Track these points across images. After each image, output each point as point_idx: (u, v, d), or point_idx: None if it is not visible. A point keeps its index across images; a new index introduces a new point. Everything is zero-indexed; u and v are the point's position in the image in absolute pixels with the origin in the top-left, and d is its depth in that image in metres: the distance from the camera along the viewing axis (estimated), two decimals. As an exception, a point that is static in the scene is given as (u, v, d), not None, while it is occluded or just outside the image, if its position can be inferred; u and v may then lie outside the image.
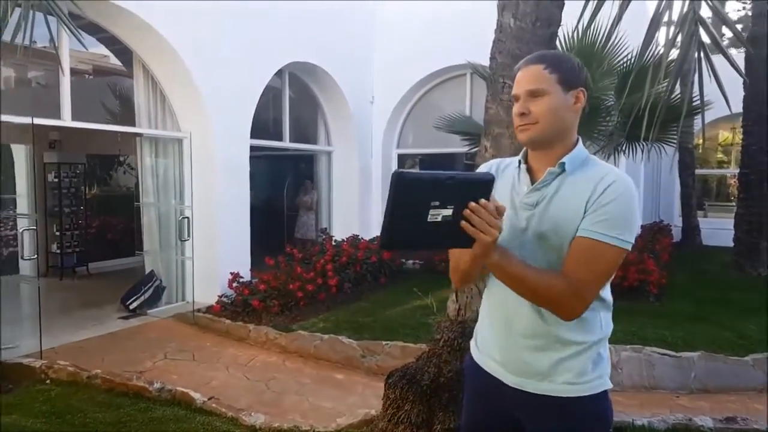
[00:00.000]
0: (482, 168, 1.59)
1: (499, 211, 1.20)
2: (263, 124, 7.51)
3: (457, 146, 7.29)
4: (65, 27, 3.09)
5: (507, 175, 1.50)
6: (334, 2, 7.71)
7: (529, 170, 1.44)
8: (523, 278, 1.28)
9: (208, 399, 3.62)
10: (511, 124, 2.13)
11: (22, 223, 7.97)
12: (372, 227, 8.75)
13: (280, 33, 6.99)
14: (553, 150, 1.40)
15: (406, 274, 7.87)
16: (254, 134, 6.89)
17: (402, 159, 9.49)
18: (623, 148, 6.71)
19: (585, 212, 1.32)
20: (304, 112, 8.53)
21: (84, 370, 4.18)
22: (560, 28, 2.86)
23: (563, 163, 1.38)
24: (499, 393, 1.46)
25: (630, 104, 6.25)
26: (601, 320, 1.41)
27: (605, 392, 1.40)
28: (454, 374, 2.47)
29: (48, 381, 4.16)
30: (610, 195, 1.31)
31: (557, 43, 2.90)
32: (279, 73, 7.42)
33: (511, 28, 2.70)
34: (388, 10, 8.57)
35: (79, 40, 3.17)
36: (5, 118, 5.55)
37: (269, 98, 7.53)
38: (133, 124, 6.25)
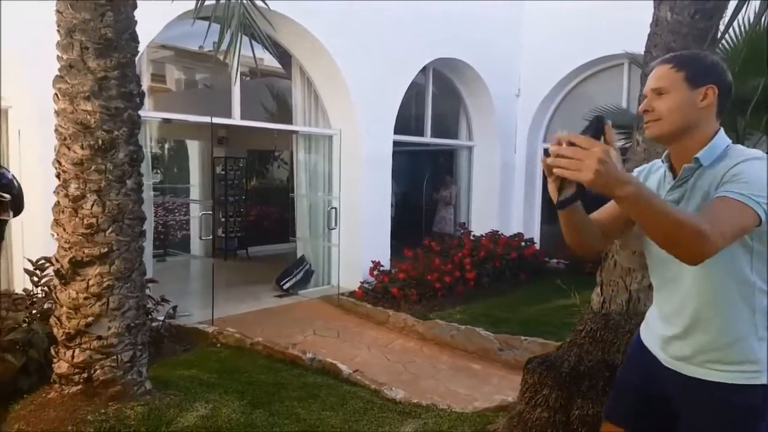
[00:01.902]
0: (635, 171, 1.63)
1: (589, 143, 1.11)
2: (406, 120, 7.78)
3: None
4: (266, 48, 3.55)
5: (655, 176, 1.55)
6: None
7: (671, 168, 1.49)
8: (665, 211, 1.18)
9: (354, 371, 3.91)
10: None
11: (195, 210, 9.24)
12: (512, 223, 8.62)
13: (425, 30, 7.17)
14: (687, 145, 1.42)
15: (549, 272, 7.62)
16: (397, 130, 7.18)
17: (548, 153, 9.19)
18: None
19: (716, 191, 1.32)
20: (446, 108, 8.66)
21: (248, 337, 4.73)
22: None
23: (697, 158, 1.40)
24: (658, 373, 1.51)
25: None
26: (755, 307, 1.38)
27: (763, 386, 1.35)
28: (595, 364, 2.43)
29: (218, 345, 4.77)
30: (742, 166, 1.31)
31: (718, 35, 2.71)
32: (423, 70, 7.62)
33: (668, 22, 2.65)
34: (535, 2, 8.35)
35: (272, 53, 3.62)
36: (185, 117, 6.47)
37: (412, 94, 7.78)
38: (290, 122, 6.87)
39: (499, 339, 4.71)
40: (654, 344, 1.54)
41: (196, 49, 8.73)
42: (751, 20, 3.24)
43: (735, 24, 3.32)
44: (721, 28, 2.92)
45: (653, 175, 1.56)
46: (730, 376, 1.37)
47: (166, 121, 6.25)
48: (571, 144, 1.14)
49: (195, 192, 9.63)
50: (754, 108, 5.63)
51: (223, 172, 9.42)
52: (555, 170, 1.14)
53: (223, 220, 9.44)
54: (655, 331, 1.55)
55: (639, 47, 2.88)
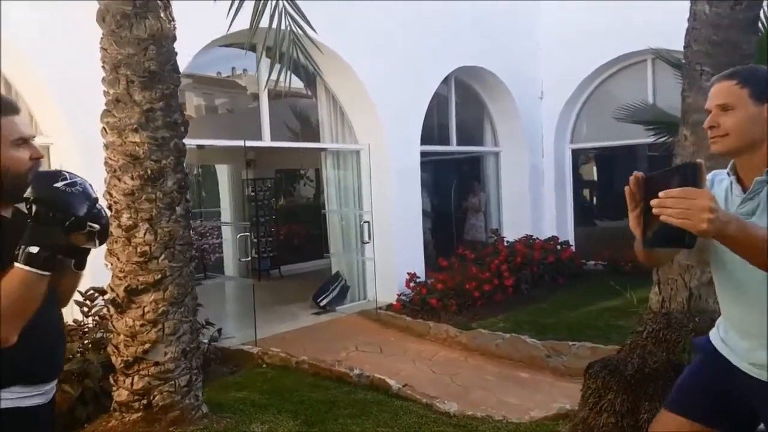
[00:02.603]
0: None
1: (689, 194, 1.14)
2: (431, 130, 7.80)
3: (639, 137, 6.80)
4: (317, 73, 3.65)
5: (720, 188, 1.55)
6: (497, 2, 7.73)
7: (739, 180, 1.50)
8: (764, 237, 1.22)
9: (403, 386, 3.89)
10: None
11: (227, 232, 9.38)
12: (545, 227, 8.54)
13: (446, 41, 7.20)
14: (755, 158, 1.44)
15: (587, 275, 7.51)
16: (423, 140, 7.21)
17: (576, 154, 9.10)
18: None
19: None
20: (469, 115, 8.65)
21: (293, 356, 4.75)
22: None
23: None
24: (738, 380, 1.53)
25: None
26: None
27: None
28: (660, 365, 2.39)
29: (264, 365, 4.79)
30: None
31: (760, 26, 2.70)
32: (445, 80, 7.65)
33: (707, 15, 2.64)
34: (554, 3, 8.32)
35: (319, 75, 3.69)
36: (219, 142, 6.59)
37: (435, 104, 7.81)
38: (317, 140, 6.94)
39: (545, 346, 4.63)
40: (732, 356, 1.58)
41: (214, 75, 8.94)
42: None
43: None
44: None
45: (717, 186, 1.56)
46: None
47: (199, 147, 6.37)
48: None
49: (226, 215, 9.78)
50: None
51: (252, 194, 9.55)
52: (663, 217, 1.15)
53: (255, 240, 9.56)
54: (731, 344, 1.59)
55: (662, 43, 2.86)
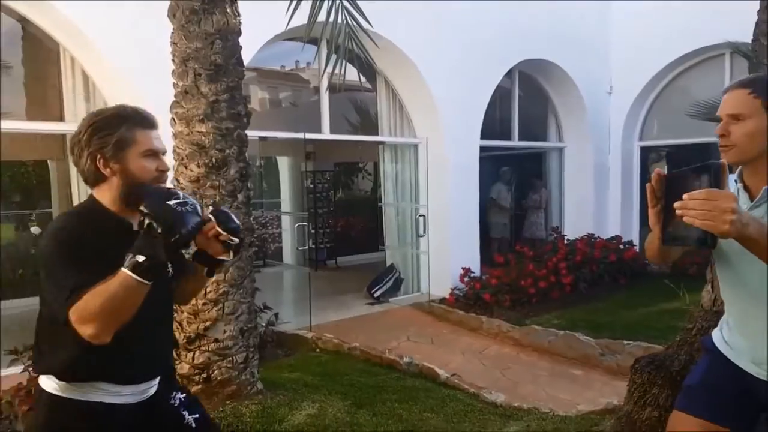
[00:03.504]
0: None
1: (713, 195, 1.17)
2: (492, 125, 7.71)
3: (713, 135, 6.44)
4: (371, 64, 3.77)
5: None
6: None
7: (746, 188, 1.50)
8: None
9: (451, 375, 3.93)
10: None
11: (286, 222, 9.69)
12: (609, 226, 8.25)
13: (510, 33, 7.08)
14: (764, 167, 1.44)
15: (651, 276, 7.21)
16: (484, 135, 7.14)
17: (645, 152, 8.71)
18: None
19: None
20: (533, 109, 8.48)
21: (345, 342, 4.90)
22: None
23: None
24: (751, 382, 1.56)
25: None
26: None
27: None
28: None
29: (317, 350, 4.97)
30: None
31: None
32: (509, 73, 7.54)
33: None
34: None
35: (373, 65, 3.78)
36: (279, 134, 6.83)
37: (497, 98, 7.72)
38: (375, 133, 7.05)
39: (600, 344, 4.53)
40: (741, 360, 1.59)
41: (278, 68, 9.22)
42: None
43: None
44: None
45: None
46: None
47: (262, 139, 6.64)
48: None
49: (285, 205, 10.11)
50: None
51: (311, 186, 9.81)
52: (686, 219, 1.17)
53: (312, 231, 9.81)
54: (733, 344, 1.61)
55: (741, 35, 2.73)
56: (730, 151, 1.46)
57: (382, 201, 7.34)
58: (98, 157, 1.39)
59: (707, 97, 6.75)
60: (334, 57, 3.42)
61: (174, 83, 3.26)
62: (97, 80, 4.73)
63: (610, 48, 8.24)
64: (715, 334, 1.72)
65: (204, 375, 3.32)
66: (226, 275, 3.25)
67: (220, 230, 1.44)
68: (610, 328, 4.92)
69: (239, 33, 3.29)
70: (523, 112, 8.12)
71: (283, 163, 10.15)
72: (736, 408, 1.62)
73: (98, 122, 1.41)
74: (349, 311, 6.52)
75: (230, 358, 3.32)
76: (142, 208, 1.29)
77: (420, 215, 6.88)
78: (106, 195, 1.43)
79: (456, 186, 6.81)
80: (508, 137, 8.04)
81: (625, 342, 4.39)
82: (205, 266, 1.55)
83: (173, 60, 3.24)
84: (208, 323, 3.28)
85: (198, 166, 3.18)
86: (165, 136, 3.35)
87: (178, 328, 3.39)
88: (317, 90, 6.70)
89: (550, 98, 8.41)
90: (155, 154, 1.44)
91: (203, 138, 3.16)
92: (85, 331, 1.26)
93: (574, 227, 8.23)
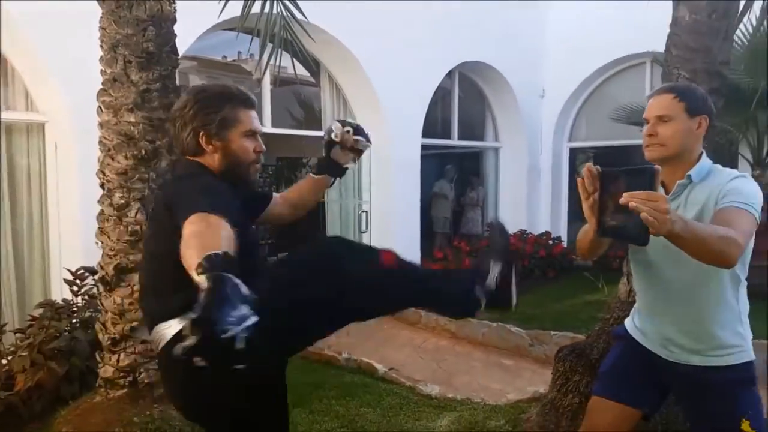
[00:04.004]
0: None
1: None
2: (433, 123, 7.85)
3: (635, 138, 6.82)
4: (298, 58, 3.71)
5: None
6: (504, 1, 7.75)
7: (663, 184, 1.65)
8: (707, 232, 1.37)
9: (389, 370, 3.99)
10: None
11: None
12: (540, 222, 8.61)
13: (452, 35, 7.22)
14: (679, 165, 1.63)
15: (577, 269, 7.59)
16: (425, 133, 7.26)
17: (573, 153, 9.14)
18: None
19: (716, 204, 1.54)
20: (472, 110, 8.69)
21: (283, 339, 4.84)
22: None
23: (690, 175, 1.62)
24: (659, 366, 1.72)
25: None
26: (738, 298, 1.63)
27: (751, 361, 1.62)
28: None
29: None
30: (734, 183, 1.56)
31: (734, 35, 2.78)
32: (449, 74, 7.69)
33: (686, 22, 2.74)
34: (560, 3, 8.34)
35: (306, 61, 3.78)
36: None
37: (439, 98, 7.86)
38: (319, 128, 7.00)
39: (529, 335, 4.73)
40: (652, 344, 1.73)
41: (220, 59, 8.95)
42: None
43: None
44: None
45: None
46: (728, 359, 1.61)
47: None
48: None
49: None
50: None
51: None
52: (642, 215, 1.22)
53: (254, 227, 9.59)
54: (649, 333, 1.74)
55: (661, 46, 2.93)
56: (657, 148, 1.62)
57: (325, 197, 7.31)
58: (201, 133, 1.40)
59: (630, 101, 7.18)
60: (269, 48, 3.38)
61: (102, 70, 3.11)
62: (16, 64, 4.44)
63: (544, 53, 8.57)
64: (628, 322, 1.86)
65: (129, 378, 3.15)
66: (155, 273, 3.13)
67: (359, 138, 1.73)
68: (539, 320, 5.15)
69: (174, 20, 3.17)
70: (462, 113, 8.31)
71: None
72: (645, 390, 1.76)
73: (204, 99, 1.43)
74: (289, 308, 6.45)
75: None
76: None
77: (362, 211, 6.91)
78: (206, 163, 1.44)
79: (398, 183, 6.89)
80: (449, 136, 8.21)
81: (552, 333, 4.60)
82: (331, 175, 1.87)
83: (101, 46, 3.09)
84: (134, 323, 3.12)
85: (126, 158, 3.05)
86: (90, 125, 3.24)
87: (101, 329, 3.21)
88: (260, 82, 6.59)
89: (487, 100, 8.65)
90: (254, 134, 1.47)
91: (132, 128, 3.03)
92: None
93: (508, 223, 8.47)
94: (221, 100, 1.43)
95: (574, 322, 4.94)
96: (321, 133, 6.73)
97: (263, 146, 1.50)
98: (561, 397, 2.59)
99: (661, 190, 1.59)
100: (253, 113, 1.48)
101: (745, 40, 5.75)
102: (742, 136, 6.25)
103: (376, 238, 6.87)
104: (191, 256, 1.05)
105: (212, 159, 1.43)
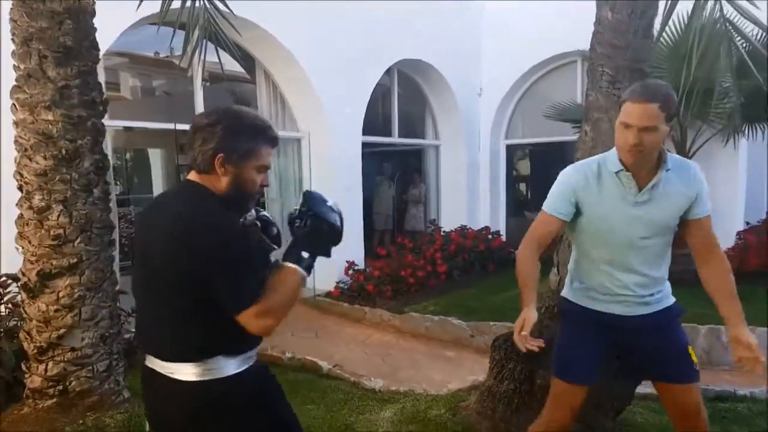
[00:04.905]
0: (573, 175, 1.92)
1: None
2: (374, 121, 7.87)
3: (568, 135, 7.12)
4: (231, 53, 3.59)
5: (607, 183, 1.86)
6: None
7: (632, 176, 1.81)
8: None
9: (333, 366, 3.98)
10: (610, 109, 2.67)
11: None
12: (480, 218, 8.81)
13: (389, 32, 7.25)
14: (651, 161, 1.79)
15: (515, 262, 7.82)
16: (365, 131, 7.26)
17: (510, 150, 9.39)
18: (743, 129, 6.29)
19: (693, 205, 1.84)
20: (411, 108, 8.78)
21: (224, 342, 4.73)
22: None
23: (667, 168, 1.80)
24: (620, 325, 1.92)
25: (749, 85, 5.85)
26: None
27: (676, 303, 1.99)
28: (553, 337, 2.56)
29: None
30: (700, 183, 1.86)
31: (653, 31, 2.94)
32: (388, 71, 7.72)
33: (609, 21, 2.85)
34: (496, 2, 8.54)
35: (236, 58, 3.67)
36: (146, 124, 6.37)
37: (379, 95, 7.88)
38: (256, 126, 6.85)
39: (470, 327, 4.85)
40: (613, 308, 1.93)
41: (152, 55, 8.60)
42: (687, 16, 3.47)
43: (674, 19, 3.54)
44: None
45: (602, 179, 1.86)
46: (669, 301, 1.96)
47: (127, 129, 6.18)
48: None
49: (157, 203, 9.50)
50: (696, 99, 5.95)
51: (187, 180, 9.29)
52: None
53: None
54: (601, 289, 1.94)
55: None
56: (640, 154, 1.74)
57: (265, 196, 7.18)
58: (221, 155, 1.40)
59: (562, 99, 7.47)
60: (195, 42, 3.28)
61: (15, 65, 2.93)
62: None
63: (481, 52, 8.77)
64: (573, 294, 2.03)
65: (59, 387, 3.03)
66: (81, 278, 2.99)
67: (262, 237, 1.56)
68: (480, 312, 5.29)
69: (93, 13, 3.03)
70: (402, 110, 8.38)
71: (156, 156, 9.53)
72: (602, 362, 1.96)
73: (236, 126, 1.43)
74: (230, 311, 6.30)
75: (90, 367, 3.06)
76: (303, 209, 1.45)
77: (303, 210, 6.82)
78: (211, 184, 1.44)
79: (339, 180, 6.86)
80: (389, 134, 8.25)
81: (492, 323, 4.73)
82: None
83: (13, 40, 2.91)
84: (62, 331, 2.99)
85: (45, 158, 2.89)
86: (5, 123, 3.04)
87: (26, 338, 3.06)
88: (192, 79, 6.39)
89: (426, 98, 8.76)
90: (266, 170, 1.50)
91: (50, 127, 2.87)
92: (264, 323, 1.33)
93: (449, 220, 8.67)
94: (251, 133, 1.44)
95: (512, 312, 5.02)
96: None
97: (269, 181, 1.54)
98: (497, 384, 2.67)
99: (609, 180, 1.83)
100: (273, 150, 1.52)
101: (670, 40, 6.09)
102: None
103: (319, 236, 6.81)
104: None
105: (218, 181, 1.43)
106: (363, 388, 3.59)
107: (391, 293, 6.11)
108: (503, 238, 8.37)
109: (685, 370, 1.89)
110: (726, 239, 6.11)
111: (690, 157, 6.53)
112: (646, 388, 3.03)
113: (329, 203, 1.49)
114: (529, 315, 1.79)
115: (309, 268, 1.43)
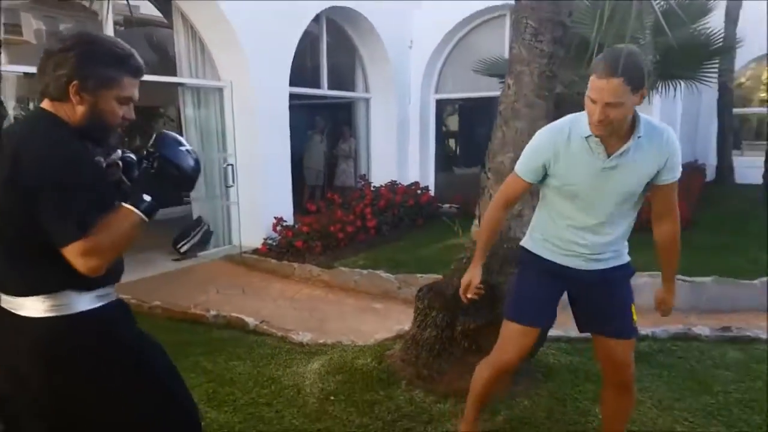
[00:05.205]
0: (545, 140, 1.92)
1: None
2: (302, 72, 7.62)
3: (497, 90, 7.21)
4: None
5: (577, 148, 1.85)
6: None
7: (602, 142, 1.82)
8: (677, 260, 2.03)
9: (260, 322, 3.95)
10: (532, 62, 2.74)
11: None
12: (409, 172, 8.89)
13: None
14: (619, 130, 1.79)
15: (443, 216, 8.02)
16: (293, 82, 7.02)
17: (441, 104, 9.43)
18: (657, 87, 6.62)
19: (662, 168, 1.84)
20: (341, 59, 8.55)
21: (144, 302, 4.57)
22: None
23: (638, 136, 1.80)
24: (577, 277, 2.00)
25: (665, 43, 6.15)
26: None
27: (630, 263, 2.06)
28: (487, 284, 2.67)
29: (114, 311, 4.56)
30: (673, 148, 1.85)
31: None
32: (316, 19, 7.43)
33: None
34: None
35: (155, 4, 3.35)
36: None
37: (307, 45, 7.60)
38: (174, 74, 6.47)
39: (398, 279, 4.96)
40: (570, 261, 2.00)
41: (59, -5, 7.82)
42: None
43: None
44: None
45: (571, 144, 1.86)
46: (624, 260, 2.03)
47: (28, 75, 5.61)
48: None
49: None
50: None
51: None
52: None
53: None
54: (569, 252, 1.99)
55: None
56: (605, 128, 1.75)
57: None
58: (75, 82, 1.30)
59: (492, 54, 7.53)
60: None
61: None
62: None
63: (412, 4, 8.61)
64: (530, 244, 2.09)
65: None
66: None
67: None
68: (408, 265, 5.41)
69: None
70: (332, 61, 8.16)
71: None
72: (553, 306, 2.03)
73: (92, 51, 1.33)
74: (152, 269, 6.06)
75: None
76: (152, 149, 1.36)
77: (228, 164, 6.60)
78: (65, 113, 1.34)
79: (266, 134, 6.64)
80: (318, 85, 8.04)
81: (419, 275, 4.86)
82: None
83: None
84: None
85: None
86: None
87: None
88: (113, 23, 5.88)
89: (357, 49, 8.56)
90: (129, 102, 1.40)
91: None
92: (88, 262, 1.25)
93: (380, 175, 8.70)
94: (110, 61, 1.34)
95: (439, 264, 5.22)
96: (177, 80, 6.26)
97: (133, 115, 1.42)
98: (420, 332, 2.77)
99: (578, 143, 1.83)
100: (137, 82, 1.41)
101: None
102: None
103: (245, 192, 6.64)
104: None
105: (73, 111, 1.33)
106: (290, 343, 3.61)
107: (320, 249, 6.11)
108: (432, 193, 8.53)
109: (625, 326, 1.98)
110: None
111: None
112: (557, 331, 3.28)
113: (184, 147, 1.40)
114: (475, 276, 2.01)
115: (150, 213, 1.33)
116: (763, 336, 3.52)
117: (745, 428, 2.53)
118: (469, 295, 2.02)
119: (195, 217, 6.91)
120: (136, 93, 1.40)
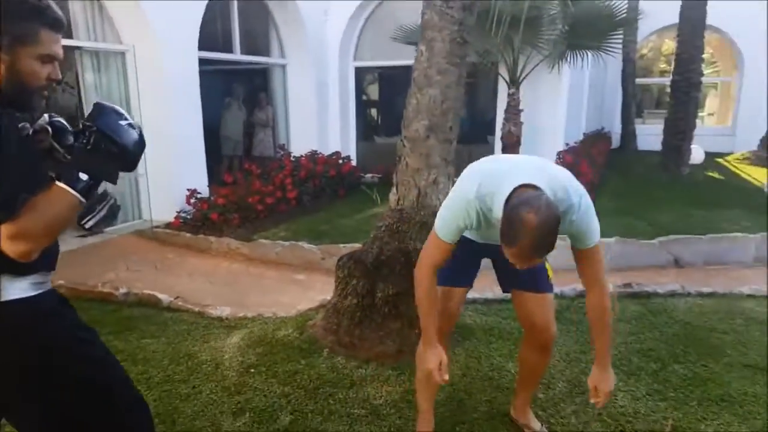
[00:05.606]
0: (464, 213, 1.73)
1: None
2: (212, 36, 7.22)
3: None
4: None
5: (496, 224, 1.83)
6: None
7: None
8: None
9: (174, 298, 3.78)
10: (444, 29, 2.74)
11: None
12: (330, 142, 8.76)
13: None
14: None
15: (365, 186, 8.03)
16: (203, 46, 6.64)
17: (360, 73, 9.27)
18: (566, 56, 6.90)
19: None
20: (254, 23, 8.18)
21: (46, 281, 4.23)
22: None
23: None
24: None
25: (573, 15, 6.41)
26: None
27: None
28: (393, 253, 2.70)
29: (10, 294, 4.20)
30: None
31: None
32: (225, -22, 7.05)
33: None
34: None
35: None
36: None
37: (216, 7, 7.20)
38: (69, 36, 5.91)
39: (321, 250, 4.91)
40: (477, 237, 2.00)
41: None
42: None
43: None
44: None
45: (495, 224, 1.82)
46: None
47: None
48: None
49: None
50: (525, 25, 6.34)
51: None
52: None
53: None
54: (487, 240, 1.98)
55: None
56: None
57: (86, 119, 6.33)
58: None
59: (408, 22, 7.49)
60: None
61: None
62: None
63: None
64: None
65: None
66: None
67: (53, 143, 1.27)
68: (330, 235, 5.36)
69: None
70: (244, 25, 7.78)
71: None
72: (474, 269, 2.10)
73: (1, 3, 1.16)
74: (53, 247, 5.62)
75: None
76: (89, 123, 1.21)
77: (134, 133, 6.16)
78: None
79: (174, 101, 6.26)
80: (230, 50, 7.66)
81: (342, 245, 4.83)
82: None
83: None
84: None
85: None
86: None
87: None
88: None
89: (270, 12, 8.21)
90: (52, 60, 1.23)
91: None
92: (17, 247, 1.13)
93: (299, 145, 8.50)
94: (23, 13, 1.18)
95: (360, 234, 5.23)
96: (73, 43, 5.72)
97: (59, 74, 1.26)
98: (341, 300, 2.76)
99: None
100: (58, 37, 1.24)
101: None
102: (501, 57, 7.00)
103: (154, 163, 6.25)
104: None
105: None
106: (208, 318, 3.49)
107: (238, 221, 5.91)
108: (353, 162, 8.47)
109: (540, 280, 2.03)
110: (549, 158, 6.83)
111: (519, 83, 7.04)
112: (473, 294, 3.40)
113: (125, 121, 1.27)
114: (443, 356, 1.82)
115: (87, 193, 1.21)
116: (661, 291, 3.84)
117: (643, 375, 2.76)
118: (446, 377, 1.81)
119: (100, 191, 6.43)
120: (59, 50, 1.24)
